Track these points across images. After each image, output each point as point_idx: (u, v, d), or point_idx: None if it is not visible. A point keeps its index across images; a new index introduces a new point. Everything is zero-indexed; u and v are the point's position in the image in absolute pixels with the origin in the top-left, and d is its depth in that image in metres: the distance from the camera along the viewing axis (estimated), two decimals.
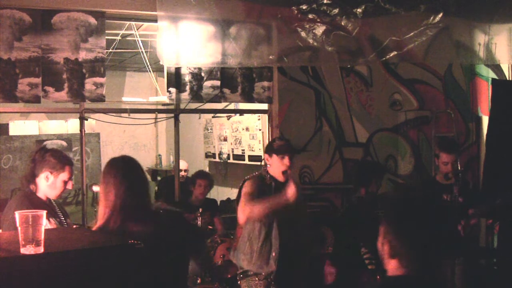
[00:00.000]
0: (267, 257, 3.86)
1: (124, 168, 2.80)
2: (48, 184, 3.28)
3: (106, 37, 5.08)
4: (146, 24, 5.64)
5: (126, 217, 2.63)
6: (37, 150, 3.42)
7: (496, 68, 6.55)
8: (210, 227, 5.39)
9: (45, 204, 3.23)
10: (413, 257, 1.80)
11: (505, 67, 6.57)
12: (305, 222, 4.14)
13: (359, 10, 5.27)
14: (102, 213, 2.69)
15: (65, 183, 3.33)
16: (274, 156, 3.92)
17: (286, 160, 3.93)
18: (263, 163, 3.94)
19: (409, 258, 1.80)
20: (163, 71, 5.53)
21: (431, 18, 5.45)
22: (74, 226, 3.36)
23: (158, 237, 2.58)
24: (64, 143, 7.41)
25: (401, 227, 1.82)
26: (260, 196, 3.77)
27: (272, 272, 3.85)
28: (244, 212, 3.74)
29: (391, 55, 5.53)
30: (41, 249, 1.86)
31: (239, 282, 4.03)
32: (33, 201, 3.17)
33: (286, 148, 3.95)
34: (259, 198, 3.74)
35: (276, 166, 3.93)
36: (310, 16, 5.29)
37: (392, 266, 1.83)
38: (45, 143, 7.23)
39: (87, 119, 5.16)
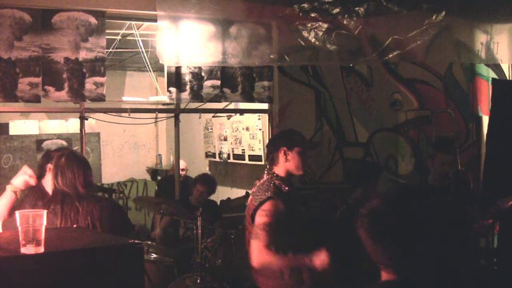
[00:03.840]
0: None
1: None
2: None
3: (107, 37, 5.07)
4: (146, 23, 5.64)
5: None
6: (57, 150, 3.53)
7: (497, 68, 6.55)
8: (209, 226, 5.39)
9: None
10: (396, 263, 1.78)
11: (505, 67, 6.56)
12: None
13: (361, 9, 5.26)
14: None
15: None
16: (296, 149, 3.47)
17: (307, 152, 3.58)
18: (267, 162, 3.58)
19: (392, 265, 1.78)
20: (164, 71, 5.53)
21: (434, 17, 5.44)
22: (74, 226, 3.35)
23: None
24: (64, 143, 7.41)
25: (376, 236, 1.79)
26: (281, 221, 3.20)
27: None
28: (262, 258, 3.15)
29: (392, 54, 5.52)
30: (41, 249, 1.86)
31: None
32: (39, 195, 3.23)
33: (306, 139, 3.70)
34: (281, 244, 3.12)
35: (298, 160, 3.48)
36: (312, 15, 5.29)
37: (383, 272, 1.82)
38: (45, 142, 7.23)
39: (87, 119, 5.16)
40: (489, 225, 4.89)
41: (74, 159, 3.20)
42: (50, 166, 3.28)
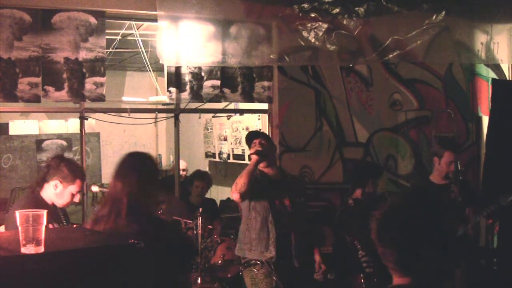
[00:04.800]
0: (266, 243, 3.96)
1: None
2: (56, 193, 3.30)
3: (106, 37, 5.07)
4: (146, 23, 5.64)
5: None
6: (54, 156, 3.47)
7: (496, 68, 6.55)
8: (210, 226, 5.39)
9: (50, 208, 3.24)
10: (406, 267, 1.78)
11: (505, 67, 6.56)
12: (302, 211, 4.20)
13: (361, 9, 5.26)
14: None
15: (73, 195, 3.36)
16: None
17: None
18: None
19: (401, 269, 1.78)
20: (163, 71, 5.52)
21: (434, 17, 5.44)
22: (74, 226, 3.36)
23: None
24: (64, 143, 7.42)
25: (385, 239, 1.79)
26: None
27: (272, 258, 3.95)
28: (233, 190, 3.95)
29: (392, 55, 5.53)
30: (41, 249, 1.86)
31: (241, 273, 4.11)
32: (38, 205, 3.19)
33: None
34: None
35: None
36: (312, 15, 5.29)
37: (394, 276, 1.82)
38: (45, 142, 7.24)
39: (87, 119, 5.16)
40: (489, 225, 4.90)
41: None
42: (60, 186, 3.29)
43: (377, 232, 1.81)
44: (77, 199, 3.40)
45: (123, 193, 2.65)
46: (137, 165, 2.78)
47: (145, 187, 2.71)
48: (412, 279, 1.76)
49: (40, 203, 3.24)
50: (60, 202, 3.35)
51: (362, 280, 4.22)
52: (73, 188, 3.34)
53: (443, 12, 5.41)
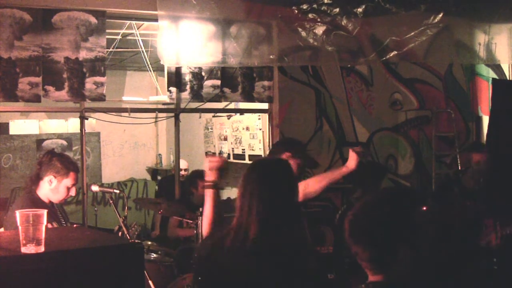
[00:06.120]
0: None
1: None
2: (51, 188, 3.29)
3: (107, 37, 5.07)
4: (146, 23, 5.64)
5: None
6: (45, 152, 3.44)
7: (497, 68, 6.55)
8: None
9: (48, 207, 3.23)
10: (378, 265, 1.78)
11: (505, 67, 6.57)
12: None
13: (359, 9, 5.26)
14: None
15: (68, 189, 3.34)
16: None
17: None
18: None
19: (373, 267, 1.79)
20: (164, 71, 5.53)
21: (431, 18, 5.45)
22: (75, 226, 3.36)
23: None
24: (64, 143, 7.43)
25: (356, 237, 1.80)
26: None
27: None
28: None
29: (392, 54, 5.53)
30: (41, 248, 1.86)
31: None
32: (36, 204, 3.18)
33: None
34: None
35: None
36: (311, 15, 5.29)
37: (368, 275, 1.83)
38: (45, 142, 7.24)
39: (87, 119, 5.16)
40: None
41: None
42: (54, 180, 3.28)
43: (349, 231, 1.82)
44: (73, 192, 3.36)
45: None
46: None
47: None
48: (384, 276, 1.77)
49: (38, 202, 3.23)
50: (56, 197, 3.32)
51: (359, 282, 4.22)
52: (68, 181, 3.31)
53: (441, 13, 5.41)
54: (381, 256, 1.77)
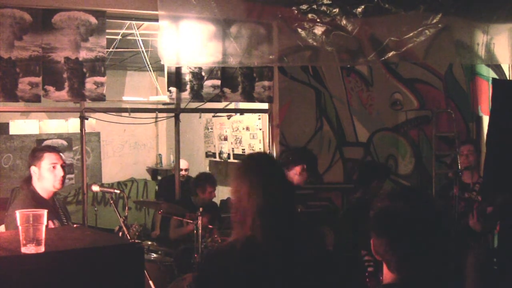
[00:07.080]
0: None
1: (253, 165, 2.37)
2: (37, 178, 3.28)
3: (107, 36, 5.07)
4: (146, 23, 5.64)
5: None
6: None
7: (497, 68, 6.55)
8: (210, 226, 5.39)
9: (49, 205, 3.23)
10: (398, 264, 1.76)
11: (505, 67, 6.56)
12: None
13: (359, 10, 5.27)
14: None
15: (52, 170, 3.30)
16: None
17: None
18: None
19: (395, 266, 1.77)
20: (164, 71, 5.53)
21: (431, 18, 5.45)
22: (75, 226, 3.35)
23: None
24: (65, 143, 7.43)
25: (383, 236, 1.78)
26: None
27: None
28: None
29: (391, 55, 5.53)
30: (42, 249, 1.86)
31: None
32: (37, 200, 3.19)
33: None
34: None
35: None
36: (310, 16, 5.29)
37: (384, 274, 1.81)
38: (45, 142, 7.24)
39: (87, 119, 5.16)
40: (488, 215, 4.87)
41: None
42: (34, 168, 3.27)
43: (374, 225, 1.81)
44: (59, 171, 3.29)
45: None
46: None
47: None
48: (405, 275, 1.76)
49: (38, 198, 3.23)
50: (46, 184, 3.28)
51: (367, 279, 4.22)
52: (45, 163, 3.26)
53: (440, 14, 5.42)
54: (406, 253, 1.75)
